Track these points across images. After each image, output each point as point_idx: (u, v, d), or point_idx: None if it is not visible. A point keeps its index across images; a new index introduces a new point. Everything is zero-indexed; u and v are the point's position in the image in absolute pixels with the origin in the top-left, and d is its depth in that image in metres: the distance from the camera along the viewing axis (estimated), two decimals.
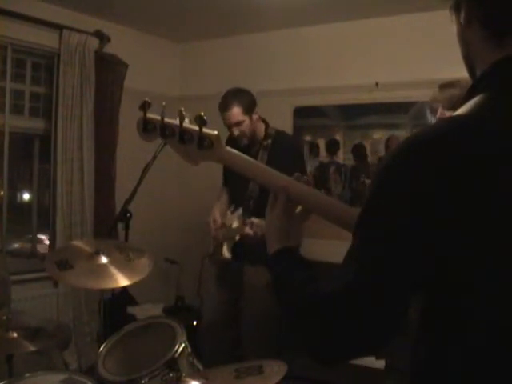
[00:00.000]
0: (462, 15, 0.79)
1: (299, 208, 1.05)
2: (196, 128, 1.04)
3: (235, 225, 2.82)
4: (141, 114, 1.10)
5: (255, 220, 2.61)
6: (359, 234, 0.77)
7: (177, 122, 1.05)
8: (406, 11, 3.37)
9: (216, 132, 1.04)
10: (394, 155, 0.75)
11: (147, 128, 1.08)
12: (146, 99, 1.07)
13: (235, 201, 2.90)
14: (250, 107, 2.75)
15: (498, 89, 0.74)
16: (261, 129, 2.85)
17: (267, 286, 2.71)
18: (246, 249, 2.75)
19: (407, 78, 3.40)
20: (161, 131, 1.07)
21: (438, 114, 2.22)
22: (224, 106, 2.74)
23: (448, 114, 2.17)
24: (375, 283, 0.73)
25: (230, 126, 2.75)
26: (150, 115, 1.08)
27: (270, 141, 2.82)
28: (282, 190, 1.01)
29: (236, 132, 2.75)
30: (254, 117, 2.79)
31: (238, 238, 2.78)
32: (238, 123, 2.73)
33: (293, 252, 0.99)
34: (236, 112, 2.72)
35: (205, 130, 1.04)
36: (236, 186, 2.87)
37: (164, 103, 1.06)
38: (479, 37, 0.78)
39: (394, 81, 3.49)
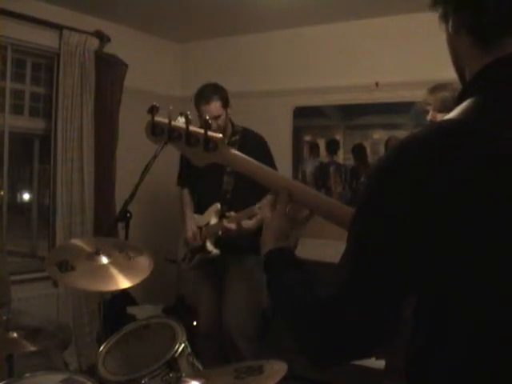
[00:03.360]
0: (450, 24, 0.81)
1: (304, 212, 1.07)
2: (201, 131, 1.08)
3: (214, 221, 2.87)
4: (148, 117, 1.13)
5: (233, 214, 2.70)
6: (352, 237, 0.78)
7: (183, 125, 1.10)
8: (406, 11, 3.36)
9: (221, 135, 1.09)
10: (387, 159, 0.76)
11: (155, 131, 1.12)
12: (155, 103, 1.11)
13: (207, 197, 2.95)
14: (227, 102, 2.85)
15: (488, 92, 0.76)
16: (229, 126, 2.94)
17: (250, 272, 2.86)
18: (229, 241, 2.82)
19: (407, 78, 3.40)
20: (168, 134, 1.11)
21: (429, 117, 2.22)
22: (205, 100, 2.79)
23: (439, 116, 2.17)
24: (369, 288, 0.74)
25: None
26: (157, 119, 1.12)
27: (237, 136, 2.91)
28: (283, 190, 1.03)
29: (214, 125, 2.78)
30: (229, 111, 2.88)
31: (220, 233, 2.83)
32: (217, 117, 2.79)
33: (289, 253, 1.00)
34: (216, 106, 2.79)
35: (210, 133, 1.08)
36: (207, 182, 2.91)
37: (171, 107, 1.11)
38: (467, 43, 0.80)
39: (394, 81, 3.49)
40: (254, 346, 2.88)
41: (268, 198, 1.07)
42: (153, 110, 1.11)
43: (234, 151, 1.10)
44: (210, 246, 2.90)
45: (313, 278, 0.88)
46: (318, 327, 0.78)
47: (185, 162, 2.93)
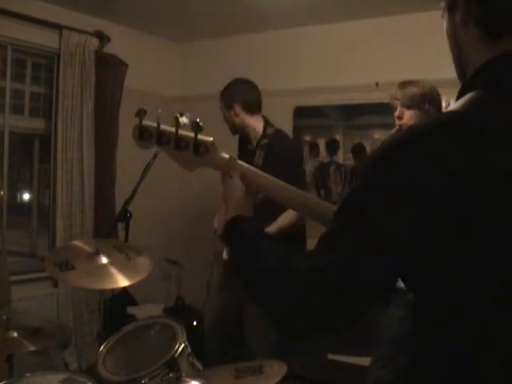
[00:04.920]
0: (458, 15, 0.80)
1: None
2: (192, 134, 1.05)
3: None
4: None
5: None
6: (344, 217, 0.77)
7: (172, 128, 1.05)
8: (405, 11, 3.36)
9: (211, 138, 1.06)
10: (387, 147, 0.76)
11: (143, 136, 1.07)
12: (142, 107, 1.07)
13: None
14: (227, 101, 2.78)
15: (490, 86, 0.76)
16: (257, 126, 2.80)
17: None
18: None
19: (407, 78, 3.38)
20: (157, 138, 1.06)
21: (397, 113, 2.18)
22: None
23: (408, 112, 2.13)
24: (350, 270, 0.73)
25: None
26: (145, 122, 1.07)
27: (266, 140, 2.76)
28: (230, 159, 1.06)
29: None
30: (234, 111, 2.77)
31: None
32: (224, 116, 2.81)
33: (255, 221, 1.00)
34: (220, 106, 2.81)
35: (200, 136, 1.05)
36: None
37: (160, 110, 1.06)
38: (473, 37, 0.79)
39: (394, 81, 3.47)
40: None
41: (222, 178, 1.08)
42: (140, 114, 1.07)
43: (225, 155, 1.08)
44: (224, 252, 2.84)
45: (284, 249, 0.86)
46: (304, 299, 0.77)
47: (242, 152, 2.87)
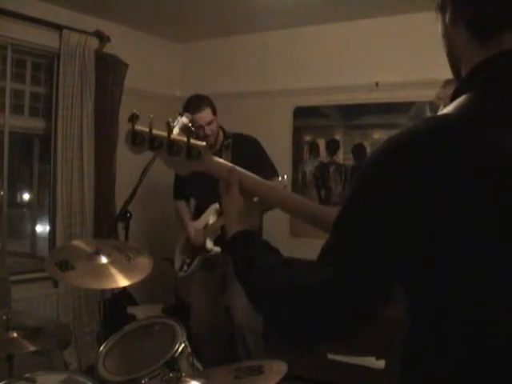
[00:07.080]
0: (448, 15, 0.80)
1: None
2: (184, 139, 1.05)
3: (212, 220, 2.95)
4: (145, 121, 1.08)
5: None
6: (340, 229, 0.77)
7: (165, 133, 1.05)
8: (405, 11, 3.36)
9: (204, 142, 1.06)
10: (379, 153, 0.75)
11: (136, 141, 1.07)
12: (134, 111, 1.06)
13: (205, 201, 3.03)
14: (215, 109, 3.01)
15: (483, 88, 0.75)
16: (220, 132, 3.08)
17: None
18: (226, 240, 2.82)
19: (407, 78, 3.40)
20: (149, 143, 1.06)
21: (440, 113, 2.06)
22: (197, 108, 2.90)
23: None
24: (354, 281, 0.73)
25: (201, 126, 2.90)
26: (138, 127, 1.07)
27: (230, 140, 3.03)
28: (230, 171, 1.04)
29: (208, 131, 2.93)
30: (216, 117, 3.02)
31: (218, 231, 2.90)
32: (210, 122, 2.94)
33: (254, 235, 0.99)
34: (208, 112, 2.94)
35: (192, 140, 1.05)
36: (203, 187, 2.91)
37: (151, 115, 1.05)
38: (464, 37, 0.78)
39: (394, 81, 3.49)
40: (262, 342, 2.91)
41: (221, 185, 1.06)
42: (133, 119, 1.06)
43: (217, 158, 1.08)
44: (209, 244, 2.94)
45: (287, 261, 0.86)
46: (304, 314, 0.77)
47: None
